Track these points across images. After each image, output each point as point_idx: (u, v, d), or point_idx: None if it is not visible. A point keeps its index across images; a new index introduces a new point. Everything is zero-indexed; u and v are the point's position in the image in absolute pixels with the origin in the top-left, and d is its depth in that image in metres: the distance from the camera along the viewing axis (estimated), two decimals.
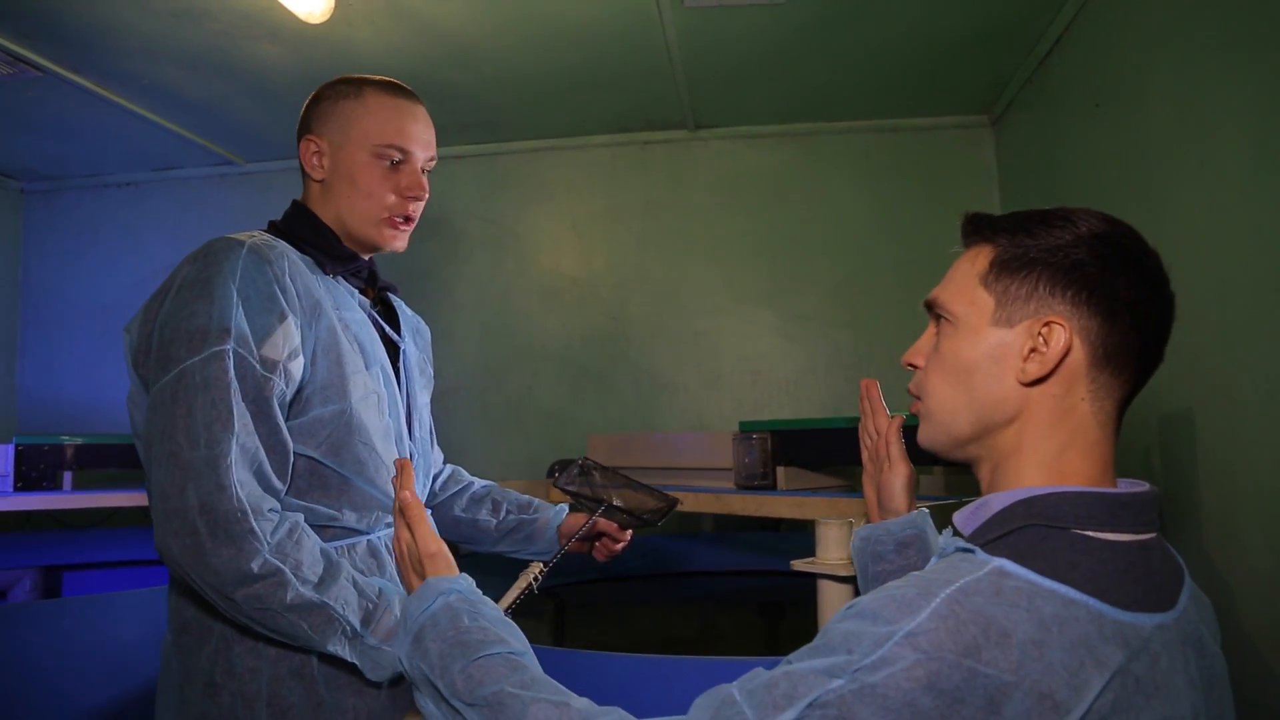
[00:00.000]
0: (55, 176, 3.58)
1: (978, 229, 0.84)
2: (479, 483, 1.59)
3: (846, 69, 2.70)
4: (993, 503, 0.78)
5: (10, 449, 2.51)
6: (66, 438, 2.60)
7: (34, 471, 2.52)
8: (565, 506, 1.56)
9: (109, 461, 2.69)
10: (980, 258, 0.82)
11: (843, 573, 1.22)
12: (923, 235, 3.01)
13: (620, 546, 1.51)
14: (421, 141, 1.30)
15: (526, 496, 1.59)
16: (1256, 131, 1.53)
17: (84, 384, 3.50)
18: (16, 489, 2.49)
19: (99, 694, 1.90)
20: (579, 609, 2.47)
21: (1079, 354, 0.77)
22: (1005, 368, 0.78)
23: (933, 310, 0.86)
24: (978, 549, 0.73)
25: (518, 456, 3.22)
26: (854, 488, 2.34)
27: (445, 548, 0.93)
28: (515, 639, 0.84)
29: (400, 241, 1.32)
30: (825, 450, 2.11)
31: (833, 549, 1.25)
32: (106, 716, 1.90)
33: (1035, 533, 0.72)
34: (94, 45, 2.39)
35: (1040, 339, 0.76)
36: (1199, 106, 1.71)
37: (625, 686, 1.37)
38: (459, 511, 1.54)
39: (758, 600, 2.70)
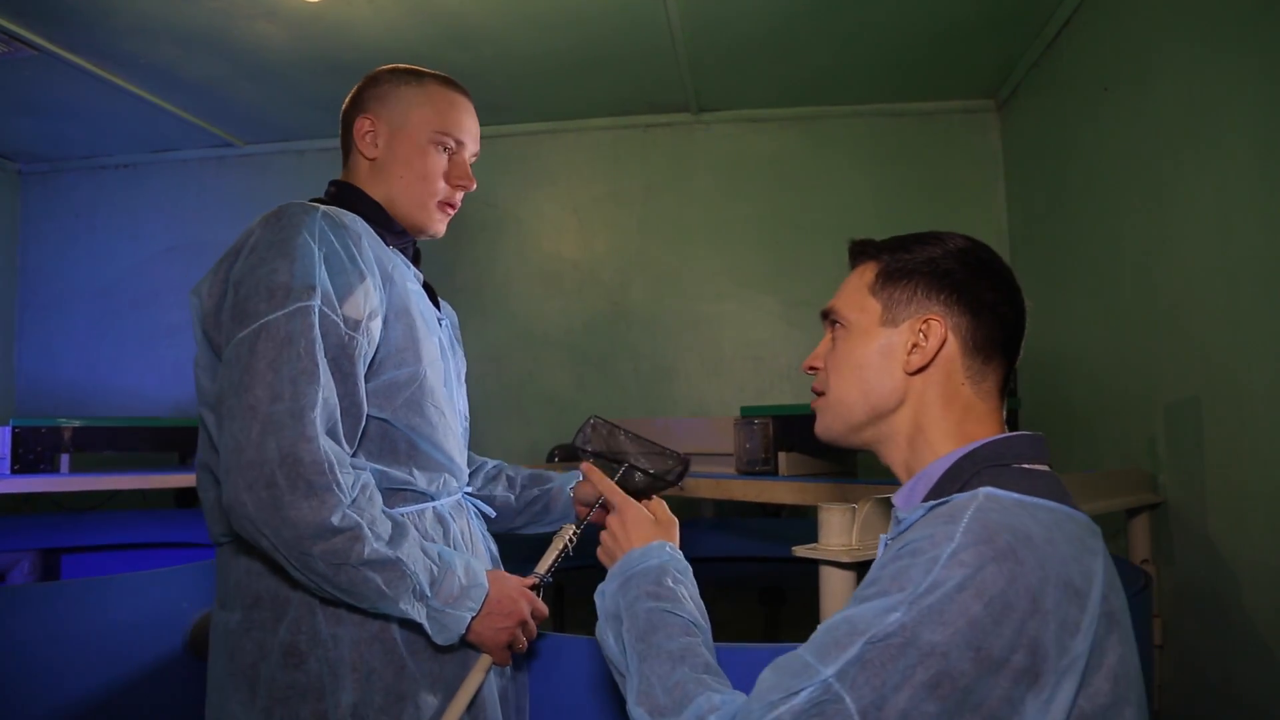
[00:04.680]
0: (53, 158, 3.56)
1: (864, 250, 0.99)
2: (489, 461, 1.59)
3: (850, 51, 2.67)
4: (931, 471, 0.89)
5: (7, 431, 2.50)
6: (64, 420, 2.59)
7: (31, 454, 2.51)
8: (576, 473, 1.56)
9: (107, 444, 2.68)
10: (868, 271, 0.96)
11: (846, 559, 1.20)
12: (926, 222, 2.94)
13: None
14: (473, 134, 1.36)
15: (534, 470, 1.59)
16: (1266, 117, 1.50)
17: (82, 366, 3.50)
18: (14, 471, 2.48)
19: (97, 676, 1.90)
20: (579, 594, 2.47)
21: (953, 346, 0.91)
22: (893, 361, 0.92)
23: (828, 318, 1.00)
24: (952, 497, 0.82)
25: (518, 442, 3.21)
26: (856, 473, 2.32)
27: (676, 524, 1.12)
28: (702, 614, 0.98)
29: (443, 226, 1.36)
30: None
31: (835, 535, 1.24)
32: (104, 699, 1.89)
33: (989, 473, 0.84)
34: (90, 24, 2.37)
35: (921, 334, 0.91)
36: (1208, 91, 1.69)
37: None
38: (475, 490, 1.54)
39: (758, 586, 2.70)
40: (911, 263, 0.93)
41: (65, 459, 2.57)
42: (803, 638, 1.32)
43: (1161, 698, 1.88)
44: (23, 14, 2.31)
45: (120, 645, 1.92)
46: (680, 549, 1.10)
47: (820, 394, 0.99)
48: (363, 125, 1.29)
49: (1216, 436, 1.69)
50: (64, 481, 2.45)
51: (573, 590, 2.46)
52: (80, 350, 3.51)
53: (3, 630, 1.82)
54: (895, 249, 0.95)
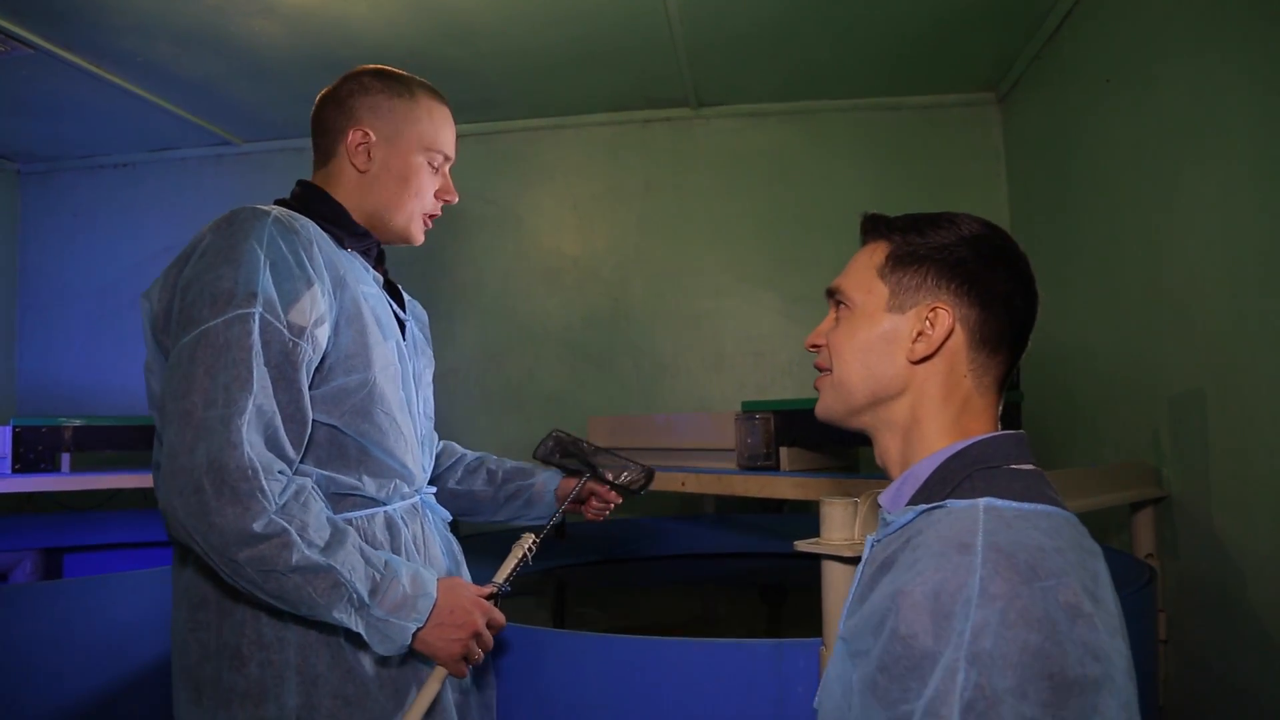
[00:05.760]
0: (51, 158, 3.55)
1: (875, 227, 0.96)
2: (471, 454, 1.59)
3: (849, 44, 2.66)
4: (919, 470, 0.88)
5: (8, 431, 2.49)
6: (65, 419, 2.59)
7: (32, 453, 2.50)
8: (558, 471, 1.56)
9: (107, 443, 2.67)
10: (878, 252, 0.94)
11: (848, 553, 1.20)
12: None
13: (611, 507, 1.53)
14: (454, 146, 1.38)
15: (518, 462, 1.59)
16: (1270, 108, 1.49)
17: (82, 366, 3.49)
18: (15, 471, 2.48)
19: (99, 674, 1.90)
20: (579, 591, 2.46)
21: (959, 337, 0.88)
22: (897, 348, 0.89)
23: (834, 296, 0.97)
24: (945, 502, 0.81)
25: (518, 439, 3.19)
26: (858, 468, 2.32)
27: None
28: None
29: (423, 235, 1.37)
30: (828, 430, 2.08)
31: (837, 529, 1.23)
32: (107, 696, 1.89)
33: (980, 476, 0.83)
34: (88, 22, 2.36)
35: (927, 323, 0.88)
36: (1212, 82, 1.68)
37: (626, 669, 1.36)
38: (454, 484, 1.54)
39: (760, 582, 2.69)
40: (924, 248, 0.90)
41: (66, 458, 2.57)
42: (806, 633, 1.32)
43: (1166, 693, 1.87)
44: (19, 13, 2.30)
45: (123, 644, 1.92)
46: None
47: (825, 370, 0.97)
48: (355, 137, 1.28)
49: (1221, 429, 1.68)
50: (65, 481, 2.45)
51: (574, 586, 2.46)
52: (80, 349, 3.50)
53: (6, 629, 1.82)
54: (908, 230, 0.93)
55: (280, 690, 1.10)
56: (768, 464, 2.10)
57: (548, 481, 1.54)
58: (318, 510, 1.08)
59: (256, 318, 1.07)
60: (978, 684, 0.66)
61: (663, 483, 1.92)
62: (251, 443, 1.02)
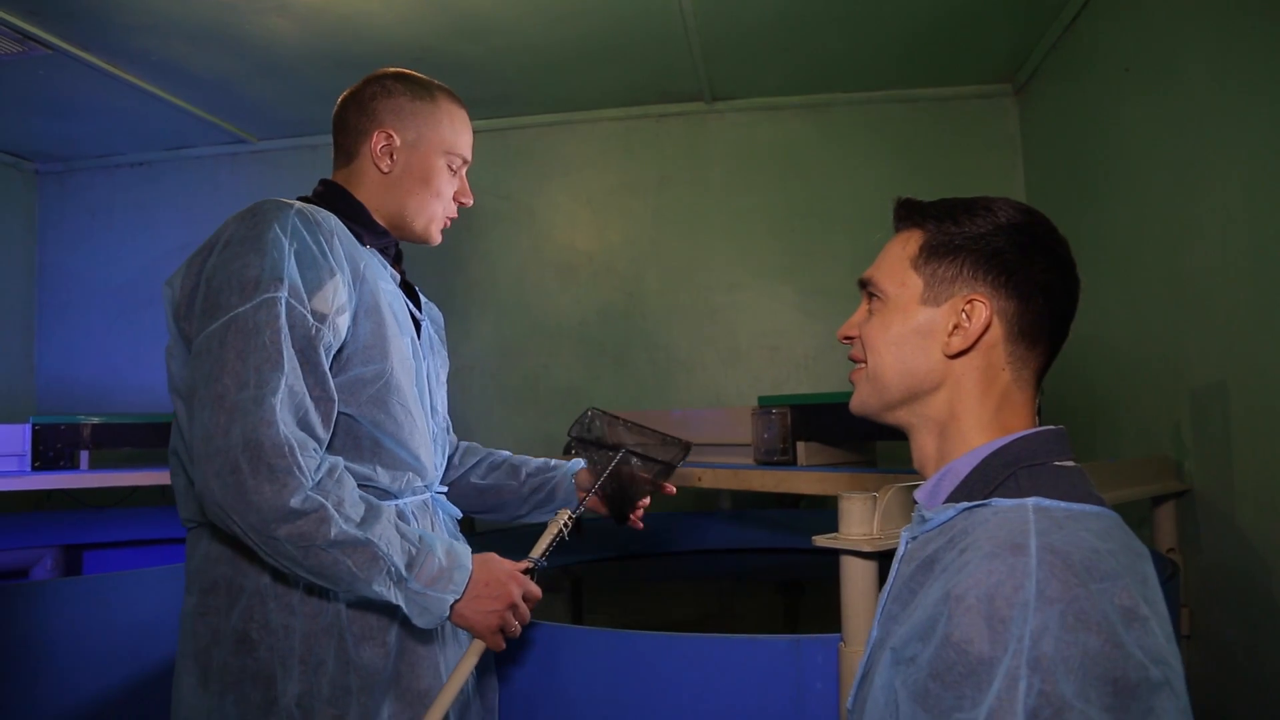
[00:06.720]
0: (68, 157, 3.58)
1: (909, 214, 0.92)
2: (496, 452, 1.61)
3: (864, 36, 2.64)
4: (958, 467, 0.85)
5: (27, 428, 2.52)
6: (83, 417, 2.61)
7: (51, 451, 2.52)
8: (580, 461, 1.58)
9: (126, 441, 2.69)
10: (911, 242, 0.90)
11: (867, 548, 1.19)
12: None
13: (647, 500, 1.52)
14: (471, 150, 1.40)
15: (541, 459, 1.61)
16: None
17: (100, 363, 3.52)
18: (34, 468, 2.50)
19: (119, 670, 1.92)
20: (597, 587, 2.46)
21: (997, 330, 0.85)
22: (932, 342, 0.87)
23: (866, 288, 0.94)
24: (990, 500, 0.79)
25: (533, 434, 3.21)
26: (876, 463, 2.30)
27: None
28: None
29: (440, 237, 1.40)
30: (846, 425, 2.07)
31: (856, 524, 1.22)
32: (126, 692, 1.91)
33: (1025, 474, 0.80)
34: (102, 21, 2.37)
35: (964, 316, 0.85)
36: (1234, 70, 1.65)
37: (643, 665, 1.36)
38: (478, 479, 1.55)
39: (777, 578, 2.68)
40: (959, 237, 0.87)
41: (84, 455, 2.59)
42: (822, 629, 1.31)
43: (1190, 689, 1.85)
44: (36, 13, 2.31)
45: (142, 640, 1.94)
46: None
47: (859, 362, 0.94)
48: (379, 140, 1.30)
49: (1244, 421, 1.65)
50: (84, 478, 2.47)
51: (591, 582, 2.46)
52: (98, 347, 3.53)
53: (27, 625, 1.84)
54: (942, 218, 0.89)
55: (285, 676, 1.12)
56: (785, 459, 2.09)
57: (568, 470, 1.56)
58: (351, 486, 1.09)
59: (283, 302, 1.09)
60: (1041, 690, 0.64)
61: (678, 478, 1.91)
62: (285, 421, 1.04)
